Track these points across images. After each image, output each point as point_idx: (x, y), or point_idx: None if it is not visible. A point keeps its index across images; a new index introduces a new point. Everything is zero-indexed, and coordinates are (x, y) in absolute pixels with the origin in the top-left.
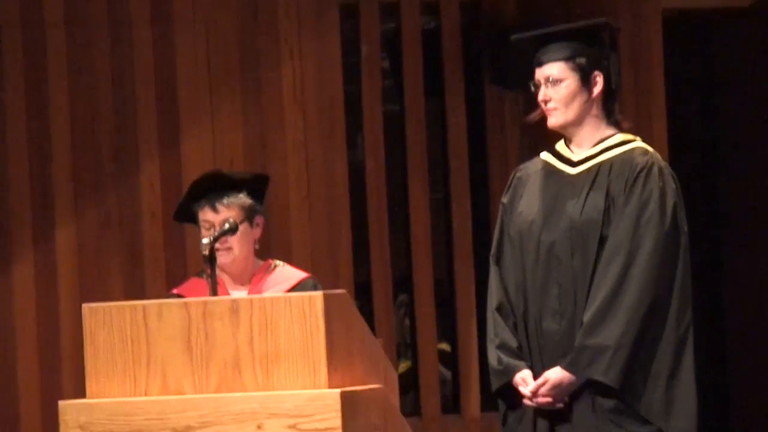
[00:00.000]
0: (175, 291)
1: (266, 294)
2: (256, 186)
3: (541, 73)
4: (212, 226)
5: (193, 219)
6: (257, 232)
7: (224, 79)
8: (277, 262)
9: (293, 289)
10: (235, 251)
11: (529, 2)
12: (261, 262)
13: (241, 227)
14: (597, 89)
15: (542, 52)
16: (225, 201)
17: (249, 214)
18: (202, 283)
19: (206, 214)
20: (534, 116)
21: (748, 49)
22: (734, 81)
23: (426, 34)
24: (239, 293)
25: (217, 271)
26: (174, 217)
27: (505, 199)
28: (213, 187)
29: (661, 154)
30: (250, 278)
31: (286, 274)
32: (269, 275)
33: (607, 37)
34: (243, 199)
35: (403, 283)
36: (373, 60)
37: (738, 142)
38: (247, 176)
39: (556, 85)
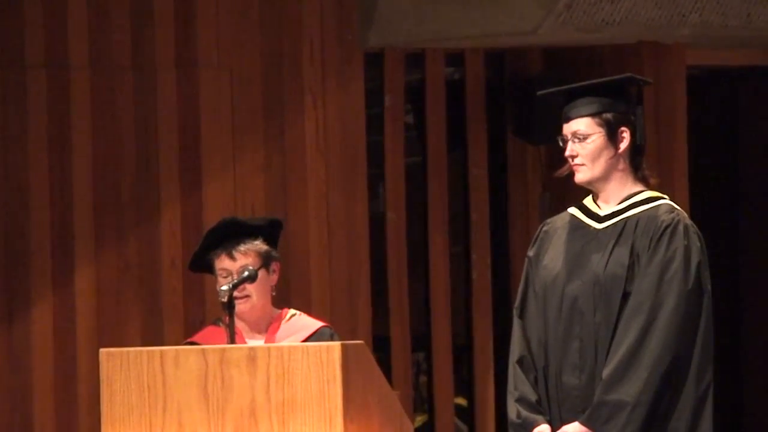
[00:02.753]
0: (191, 339)
1: (284, 342)
2: (271, 231)
3: (567, 129)
4: (229, 274)
5: (208, 268)
6: (274, 279)
7: (247, 126)
8: (294, 311)
9: (310, 338)
10: (253, 298)
11: (555, 55)
12: (277, 311)
13: (259, 274)
14: (623, 145)
15: (569, 108)
16: (242, 248)
17: (266, 261)
18: (219, 331)
19: (223, 262)
20: (562, 171)
21: None
22: (758, 139)
23: (450, 84)
24: (256, 342)
25: (235, 319)
26: (189, 267)
27: (531, 253)
28: (229, 235)
29: (682, 210)
30: (267, 327)
31: (303, 323)
32: (285, 324)
33: (633, 92)
34: (259, 245)
35: (421, 336)
36: (397, 110)
37: (762, 200)
38: (262, 222)
39: (583, 140)
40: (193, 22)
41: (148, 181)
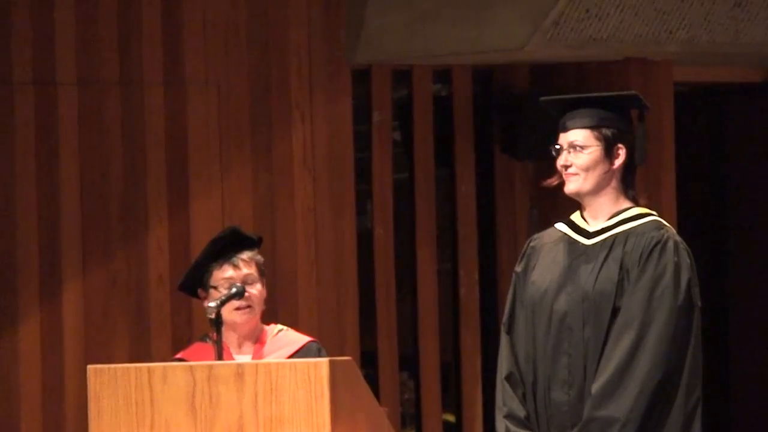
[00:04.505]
0: (178, 356)
1: (271, 359)
2: (260, 246)
3: (564, 138)
4: (231, 283)
5: (197, 287)
6: (264, 293)
7: (235, 143)
8: (280, 326)
9: (296, 353)
10: (255, 309)
11: (542, 72)
12: (264, 326)
13: (259, 284)
14: (618, 162)
15: (569, 117)
16: (245, 257)
17: (262, 272)
18: (206, 347)
19: (225, 272)
20: (551, 181)
21: (759, 124)
22: (746, 155)
23: (437, 101)
24: (243, 358)
25: (222, 335)
26: (181, 285)
27: (518, 268)
28: (233, 244)
29: (671, 226)
30: (254, 342)
31: (290, 338)
32: (272, 339)
33: (635, 112)
34: (258, 256)
35: (409, 352)
36: (384, 127)
37: (749, 216)
38: (255, 236)
39: (579, 151)
40: (180, 38)
41: (136, 197)
